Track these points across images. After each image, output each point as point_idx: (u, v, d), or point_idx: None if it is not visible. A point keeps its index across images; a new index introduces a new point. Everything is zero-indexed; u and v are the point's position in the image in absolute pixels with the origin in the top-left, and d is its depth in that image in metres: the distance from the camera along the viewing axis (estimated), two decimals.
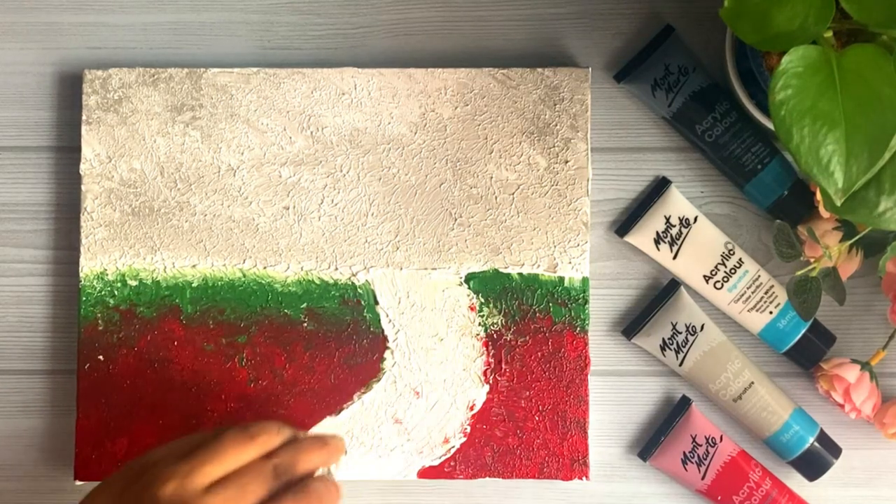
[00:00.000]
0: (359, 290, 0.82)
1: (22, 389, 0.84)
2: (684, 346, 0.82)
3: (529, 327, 0.82)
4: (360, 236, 0.83)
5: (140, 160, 0.83)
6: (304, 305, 0.82)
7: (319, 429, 0.81)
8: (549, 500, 0.83)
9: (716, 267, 0.82)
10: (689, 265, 0.82)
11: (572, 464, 0.81)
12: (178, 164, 0.83)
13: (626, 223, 0.83)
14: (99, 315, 0.83)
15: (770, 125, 0.76)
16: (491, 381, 0.82)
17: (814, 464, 0.82)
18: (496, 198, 0.82)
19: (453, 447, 0.82)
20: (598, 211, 0.84)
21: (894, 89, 0.63)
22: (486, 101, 0.83)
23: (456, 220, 0.82)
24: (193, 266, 0.83)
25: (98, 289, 0.83)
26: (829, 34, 0.68)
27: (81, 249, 0.83)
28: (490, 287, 0.82)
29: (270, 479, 0.66)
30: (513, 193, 0.82)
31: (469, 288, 0.82)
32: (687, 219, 0.82)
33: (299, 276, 0.83)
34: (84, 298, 0.83)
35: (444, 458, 0.82)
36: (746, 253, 0.83)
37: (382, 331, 0.82)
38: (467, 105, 0.83)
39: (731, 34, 0.78)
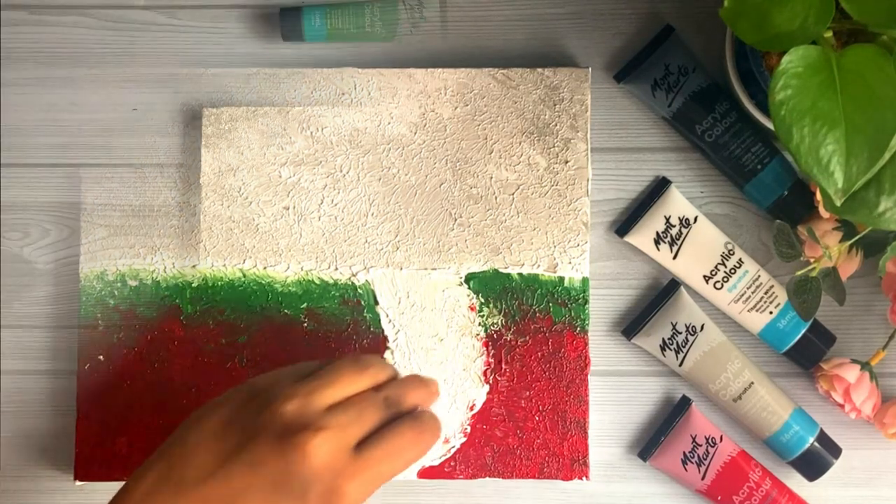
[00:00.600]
0: (359, 290, 0.82)
1: (22, 389, 0.84)
2: (684, 346, 0.82)
3: (529, 327, 0.82)
4: (360, 236, 0.83)
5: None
6: (304, 305, 0.82)
7: None
8: (549, 500, 0.83)
9: (716, 267, 0.82)
10: (689, 265, 0.82)
11: (572, 464, 0.81)
12: (178, 163, 0.83)
13: (626, 223, 0.83)
14: (99, 315, 0.83)
15: (770, 125, 0.76)
16: (491, 381, 0.82)
17: (814, 464, 0.82)
18: (496, 198, 0.82)
19: (453, 447, 0.82)
20: (598, 211, 0.84)
21: (894, 89, 0.63)
22: (486, 101, 0.83)
23: (456, 220, 0.82)
24: (193, 266, 0.83)
25: (98, 289, 0.83)
26: (829, 34, 0.68)
27: (81, 249, 0.83)
28: (490, 287, 0.82)
29: (382, 408, 0.67)
30: (513, 193, 0.82)
31: (469, 288, 0.82)
32: (687, 219, 0.82)
33: (299, 276, 0.82)
34: (84, 298, 0.83)
35: (444, 458, 0.82)
36: (746, 253, 0.83)
37: (382, 331, 0.82)
38: (467, 105, 0.83)
39: (731, 34, 0.78)
